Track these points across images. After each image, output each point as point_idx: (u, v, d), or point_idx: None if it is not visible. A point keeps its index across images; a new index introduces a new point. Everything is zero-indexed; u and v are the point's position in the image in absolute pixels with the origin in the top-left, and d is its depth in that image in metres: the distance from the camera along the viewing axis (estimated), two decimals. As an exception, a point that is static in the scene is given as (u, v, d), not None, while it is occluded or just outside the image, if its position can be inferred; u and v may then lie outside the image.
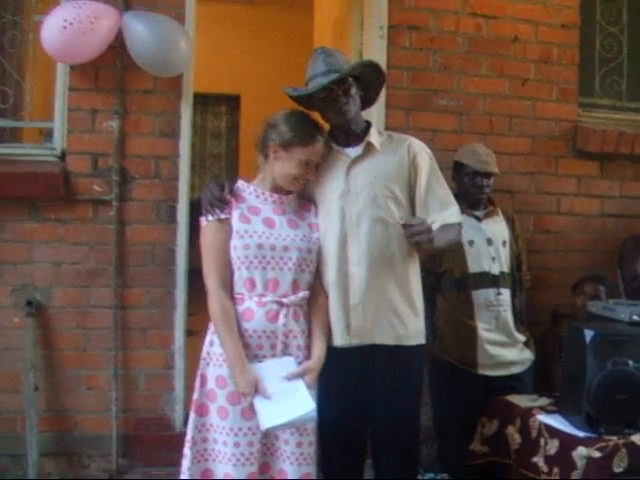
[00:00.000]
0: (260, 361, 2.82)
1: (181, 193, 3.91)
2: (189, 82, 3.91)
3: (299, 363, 2.86)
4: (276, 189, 2.95)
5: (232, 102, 7.85)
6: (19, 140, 4.15)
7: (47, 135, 3.94)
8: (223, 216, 2.88)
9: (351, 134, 3.03)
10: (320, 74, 2.93)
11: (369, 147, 3.01)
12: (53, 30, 3.51)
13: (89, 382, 3.86)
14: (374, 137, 3.04)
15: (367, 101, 3.12)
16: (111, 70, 3.78)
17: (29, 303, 3.76)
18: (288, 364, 2.84)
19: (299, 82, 5.85)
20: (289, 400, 2.77)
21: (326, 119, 3.02)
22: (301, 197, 3.03)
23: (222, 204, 2.89)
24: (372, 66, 3.05)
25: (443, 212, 3.03)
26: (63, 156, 3.84)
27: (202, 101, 7.63)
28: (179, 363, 3.93)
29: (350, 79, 2.93)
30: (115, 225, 3.82)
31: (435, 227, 2.94)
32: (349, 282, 2.96)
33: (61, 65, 3.83)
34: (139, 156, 3.87)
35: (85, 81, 3.79)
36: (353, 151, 3.02)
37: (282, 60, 6.91)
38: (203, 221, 2.91)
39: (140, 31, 3.61)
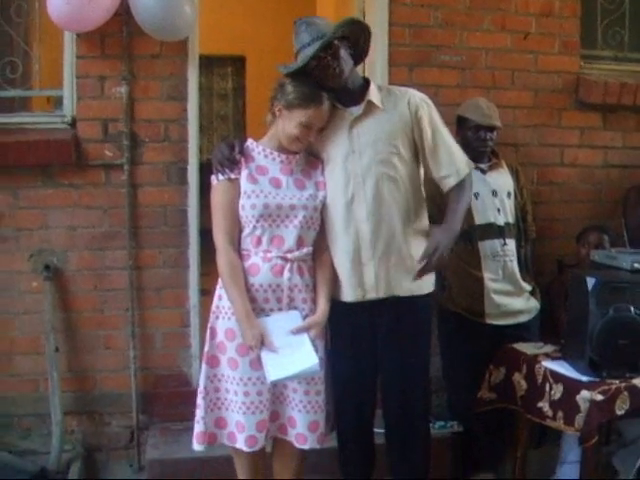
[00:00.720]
0: (267, 315, 2.94)
1: (191, 155, 3.97)
2: (194, 45, 3.96)
3: (305, 317, 2.98)
4: (284, 148, 3.02)
5: (238, 63, 7.84)
6: (29, 109, 4.22)
7: (57, 103, 4.01)
8: (233, 176, 2.96)
9: (350, 93, 3.06)
10: (306, 45, 2.96)
11: (370, 105, 3.06)
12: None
13: (107, 342, 3.97)
14: (374, 95, 3.08)
15: (358, 56, 3.12)
16: (117, 37, 3.83)
17: (46, 267, 3.86)
18: (294, 318, 2.96)
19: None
20: (294, 353, 2.88)
21: (324, 85, 3.02)
22: (309, 154, 3.10)
23: (232, 164, 2.97)
24: (354, 23, 3.08)
25: (454, 164, 3.11)
26: (74, 123, 3.90)
27: (207, 63, 7.58)
28: (194, 321, 4.03)
29: (336, 42, 2.95)
30: (127, 188, 3.90)
31: (450, 184, 3.09)
32: (359, 239, 3.05)
33: (68, 33, 3.87)
34: (148, 120, 3.93)
35: (92, 48, 3.84)
36: (355, 110, 3.06)
37: (286, 20, 6.88)
38: (213, 180, 3.01)
39: (145, -4, 3.65)
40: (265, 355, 2.86)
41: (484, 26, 4.27)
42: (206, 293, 4.08)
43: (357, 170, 3.03)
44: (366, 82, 3.13)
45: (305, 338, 2.92)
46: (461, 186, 3.11)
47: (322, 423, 3.02)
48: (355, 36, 3.05)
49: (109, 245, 3.94)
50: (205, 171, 3.35)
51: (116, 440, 3.99)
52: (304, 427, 2.98)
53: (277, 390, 2.99)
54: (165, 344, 4.03)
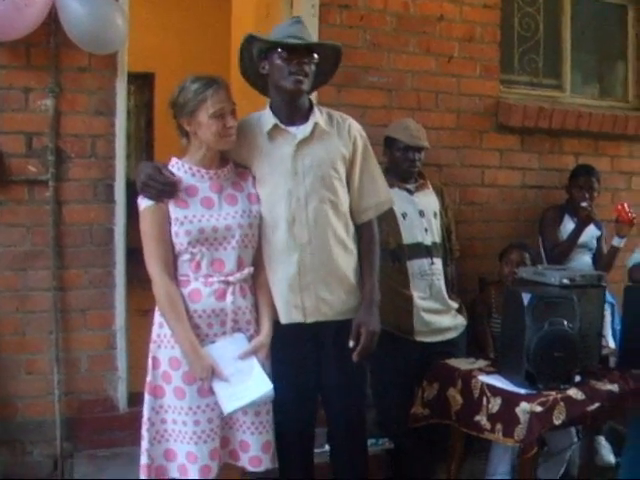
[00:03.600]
0: (212, 341, 2.85)
1: (118, 172, 3.86)
2: (124, 59, 3.86)
3: (250, 338, 2.92)
4: (209, 164, 2.93)
5: (140, 80, 7.69)
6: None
7: (-24, 115, 3.82)
8: (164, 200, 2.84)
9: (295, 111, 3.03)
10: (290, 36, 2.92)
11: (316, 128, 3.03)
12: (-15, 6, 3.40)
13: (30, 367, 3.77)
14: (320, 118, 3.06)
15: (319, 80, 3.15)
16: (44, 47, 3.68)
17: (-36, 288, 3.65)
18: (239, 342, 2.90)
19: (216, 58, 5.81)
20: (246, 381, 2.84)
21: (275, 87, 3.00)
22: (237, 165, 3.02)
23: (164, 186, 2.83)
24: (336, 50, 3.12)
25: (376, 198, 3.15)
26: (-6, 136, 3.73)
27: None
28: (121, 343, 3.90)
29: (316, 56, 2.96)
30: (52, 205, 3.74)
31: (369, 216, 3.14)
32: (300, 263, 3.01)
33: (-11, 41, 3.71)
34: (75, 135, 3.79)
35: (16, 58, 3.67)
36: (298, 130, 3.02)
37: (197, 36, 6.88)
38: (141, 204, 2.87)
39: (75, 7, 3.51)
40: (217, 385, 2.81)
41: (410, 49, 4.38)
42: (134, 313, 4.04)
43: (300, 192, 3.00)
44: (310, 104, 3.11)
45: (254, 362, 2.88)
46: (372, 229, 3.16)
47: (273, 442, 2.97)
48: (327, 59, 3.06)
49: (32, 265, 3.75)
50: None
51: (38, 470, 3.78)
52: (258, 449, 2.92)
53: (226, 416, 2.90)
54: (90, 367, 3.86)
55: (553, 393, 3.24)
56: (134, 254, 4.05)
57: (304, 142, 3.02)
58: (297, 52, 2.91)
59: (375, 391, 3.97)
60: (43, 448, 3.79)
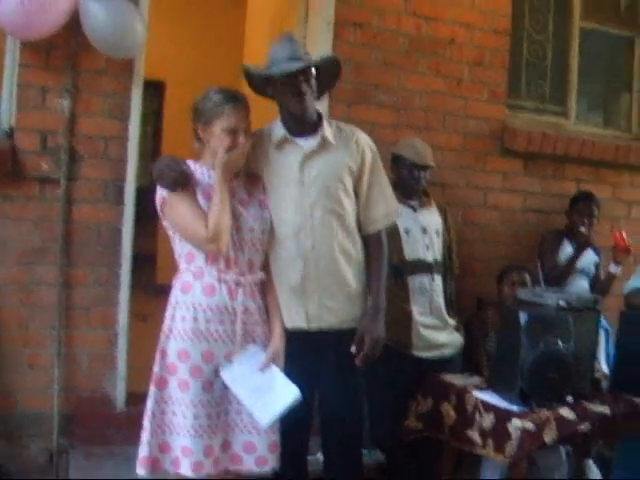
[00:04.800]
0: (229, 362, 2.91)
1: (129, 174, 3.94)
2: (140, 65, 3.96)
3: (264, 346, 2.99)
4: None
5: (150, 88, 7.75)
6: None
7: (-7, 111, 3.89)
8: (188, 187, 2.91)
9: (304, 124, 3.12)
10: (284, 59, 3.02)
11: (324, 141, 3.13)
12: (10, 4, 3.47)
13: (31, 360, 3.83)
14: (327, 131, 3.15)
15: (320, 91, 3.22)
16: (63, 48, 3.77)
17: (-28, 279, 3.70)
18: (256, 354, 2.97)
19: (228, 70, 5.92)
20: (272, 391, 2.93)
21: (282, 106, 3.11)
22: (248, 173, 3.10)
23: (180, 174, 2.90)
24: (334, 61, 3.21)
25: (385, 209, 3.23)
26: (11, 132, 3.79)
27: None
28: (122, 343, 3.95)
29: (312, 70, 3.05)
30: (62, 203, 3.81)
31: (377, 228, 3.21)
32: (304, 271, 3.09)
33: (10, 41, 3.78)
34: (88, 136, 3.87)
35: (37, 58, 3.76)
36: (307, 143, 3.12)
37: (210, 48, 6.94)
38: (162, 193, 2.92)
39: (96, 11, 3.61)
40: (246, 401, 2.89)
41: (420, 69, 4.48)
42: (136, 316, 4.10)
43: (305, 202, 3.08)
44: (318, 116, 3.19)
45: (275, 371, 2.96)
46: (380, 240, 3.24)
47: (279, 442, 3.01)
48: (324, 73, 3.13)
49: (39, 260, 3.82)
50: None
51: (34, 463, 3.81)
52: (264, 449, 2.96)
53: (229, 417, 2.96)
54: (91, 365, 3.92)
55: (545, 411, 3.29)
56: (139, 259, 4.15)
57: (311, 154, 3.11)
58: (294, 75, 3.00)
59: (368, 402, 4.01)
60: (40, 442, 3.84)
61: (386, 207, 3.23)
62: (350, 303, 3.16)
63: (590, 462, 4.45)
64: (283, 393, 2.92)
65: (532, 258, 4.66)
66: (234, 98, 2.93)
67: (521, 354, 3.32)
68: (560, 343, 3.34)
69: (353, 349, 3.08)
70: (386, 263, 3.25)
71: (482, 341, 4.22)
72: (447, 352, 3.94)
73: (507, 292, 4.20)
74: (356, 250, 3.19)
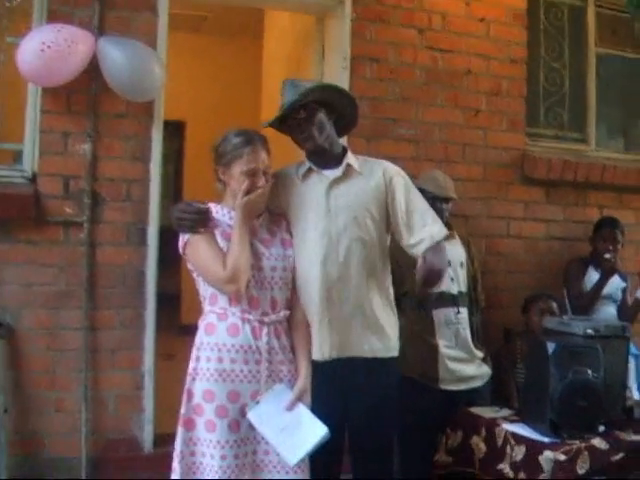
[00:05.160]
0: (257, 402, 2.89)
1: (151, 216, 3.98)
2: (160, 106, 4.01)
3: (290, 384, 2.96)
4: None
5: (170, 127, 7.85)
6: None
7: (17, 157, 3.94)
8: (207, 229, 2.91)
9: (328, 158, 3.13)
10: (288, 102, 3.05)
11: (349, 169, 3.14)
12: (31, 53, 3.55)
13: (58, 404, 3.85)
14: (352, 160, 3.16)
15: (345, 125, 3.26)
16: (84, 93, 3.84)
17: (-1, 325, 3.74)
18: (282, 393, 2.94)
19: (246, 109, 5.98)
20: (300, 429, 2.90)
21: (298, 144, 3.13)
22: (271, 212, 3.10)
23: (203, 218, 2.92)
24: (325, 89, 3.19)
25: (428, 229, 3.14)
26: (34, 178, 3.85)
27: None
28: (148, 384, 3.96)
29: (314, 105, 3.05)
30: (86, 247, 3.85)
31: (425, 246, 3.09)
32: (329, 299, 3.06)
33: (32, 87, 3.85)
34: (110, 179, 3.93)
35: (58, 104, 3.83)
36: (332, 173, 3.12)
37: (229, 87, 7.02)
38: (184, 237, 2.92)
39: (115, 56, 3.69)
40: (275, 441, 2.87)
41: (438, 102, 4.50)
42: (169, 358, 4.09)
43: (332, 230, 3.07)
44: (344, 150, 3.21)
45: (302, 409, 2.93)
46: (436, 247, 3.15)
47: None
48: (338, 103, 3.15)
49: (64, 304, 3.86)
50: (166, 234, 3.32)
51: (62, 508, 3.83)
52: None
53: (257, 458, 2.93)
54: (118, 407, 3.93)
55: (577, 442, 3.21)
56: (163, 299, 4.17)
57: (336, 182, 3.11)
58: (297, 118, 3.04)
59: (399, 437, 3.98)
60: (69, 488, 3.84)
61: (430, 228, 3.14)
62: (374, 333, 3.10)
63: (626, 493, 4.38)
64: (310, 431, 2.88)
65: (557, 286, 4.63)
66: (252, 140, 2.93)
67: (550, 384, 3.25)
68: (589, 372, 3.29)
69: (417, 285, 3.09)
70: (443, 256, 3.17)
71: (511, 372, 4.19)
72: (476, 384, 3.89)
73: (535, 321, 4.17)
74: (382, 279, 3.16)
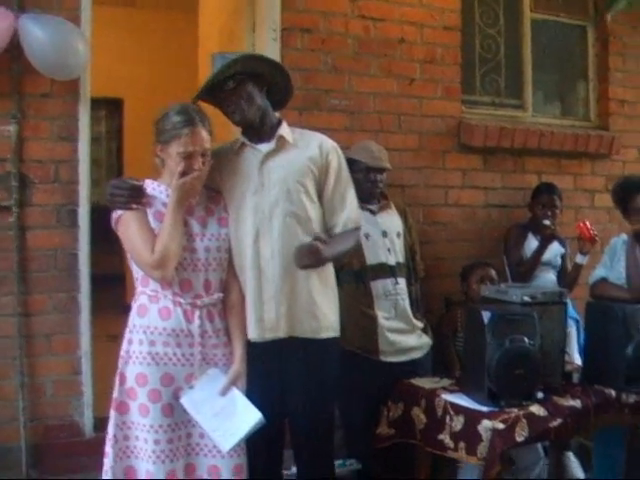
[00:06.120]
0: (190, 387, 2.87)
1: (82, 197, 3.87)
2: (86, 85, 3.88)
3: (225, 368, 2.94)
4: None
5: (111, 106, 7.77)
6: None
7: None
8: (141, 206, 2.87)
9: (261, 131, 3.09)
10: (213, 74, 3.01)
11: (281, 141, 3.09)
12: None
13: (-6, 393, 3.76)
14: (286, 131, 3.11)
15: (282, 100, 3.24)
16: (6, 74, 3.69)
17: None
18: (216, 378, 2.92)
19: (183, 84, 5.87)
20: (234, 414, 2.88)
21: (228, 118, 3.09)
22: (209, 189, 3.06)
23: (135, 195, 2.87)
24: (256, 59, 3.14)
25: (344, 215, 3.16)
26: (-43, 163, 3.73)
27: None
28: (86, 368, 3.88)
29: (242, 77, 3.01)
30: (15, 231, 3.73)
31: (336, 231, 3.13)
32: (263, 276, 3.03)
33: (-50, 68, 3.71)
34: (38, 160, 3.80)
35: (-22, 85, 3.71)
36: (265, 146, 3.09)
37: (166, 63, 6.91)
38: (116, 213, 2.89)
39: (37, 34, 3.56)
40: (207, 426, 2.84)
41: (371, 71, 4.45)
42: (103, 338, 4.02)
43: (264, 206, 3.03)
44: (279, 122, 3.16)
45: (236, 394, 2.91)
46: (345, 233, 3.17)
47: (245, 465, 2.96)
48: (268, 74, 3.10)
49: (-4, 290, 3.75)
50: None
51: (3, 498, 3.76)
52: (229, 473, 2.91)
53: (192, 441, 2.91)
54: (56, 393, 3.84)
55: (515, 410, 3.25)
56: (102, 280, 4.10)
57: (269, 155, 3.07)
58: (225, 90, 3.01)
59: (342, 411, 3.98)
60: (10, 474, 3.74)
61: (346, 213, 3.15)
62: (309, 311, 3.08)
63: (570, 455, 4.44)
64: (244, 417, 2.86)
65: (497, 254, 4.66)
66: (192, 121, 2.85)
67: (487, 353, 3.28)
68: (526, 340, 3.31)
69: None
70: (352, 243, 3.20)
71: (452, 342, 4.20)
72: (416, 355, 3.91)
73: (474, 289, 4.18)
74: None
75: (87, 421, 3.87)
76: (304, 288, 3.07)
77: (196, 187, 2.90)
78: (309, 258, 2.94)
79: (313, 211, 3.09)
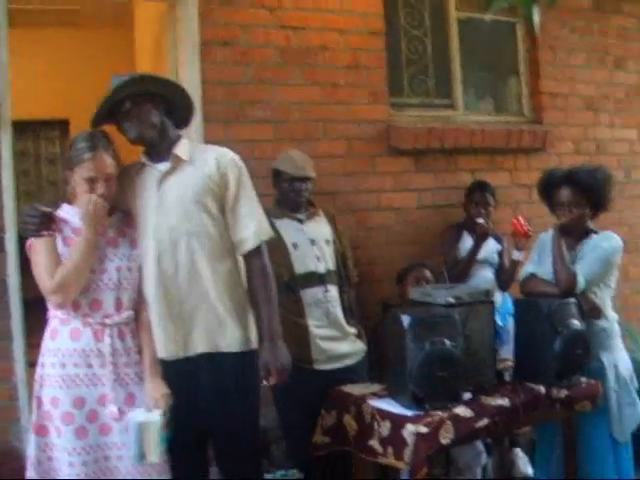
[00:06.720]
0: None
1: (8, 224, 3.85)
2: (7, 111, 3.87)
3: (138, 387, 2.98)
4: None
5: (64, 126, 7.78)
6: None
7: None
8: (50, 232, 2.90)
9: (161, 150, 3.12)
10: (102, 99, 3.07)
11: (176, 160, 3.10)
12: None
13: None
14: (180, 149, 3.12)
15: (185, 118, 3.26)
16: None
17: None
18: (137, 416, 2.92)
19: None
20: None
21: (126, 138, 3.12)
22: (123, 212, 3.10)
23: (45, 222, 2.89)
24: (147, 80, 3.16)
25: (253, 227, 3.13)
26: None
27: (33, 127, 7.62)
28: (22, 394, 3.87)
29: (138, 98, 3.04)
30: (-60, 260, 3.74)
31: (248, 247, 3.12)
32: (168, 295, 3.06)
33: None
34: (-40, 189, 3.80)
35: None
36: (163, 166, 3.11)
37: (108, 80, 6.88)
38: (28, 242, 2.95)
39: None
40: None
41: (294, 80, 4.44)
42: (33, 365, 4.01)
43: (164, 227, 3.05)
44: (177, 139, 3.17)
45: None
46: (259, 259, 3.16)
47: None
48: (166, 93, 3.13)
49: None
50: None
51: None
52: None
53: (111, 464, 2.93)
54: (-7, 420, 3.84)
55: (439, 413, 3.25)
56: (36, 305, 4.07)
57: (167, 174, 3.09)
58: (123, 111, 3.04)
59: (281, 422, 3.99)
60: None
61: (256, 226, 3.14)
62: (218, 327, 3.09)
63: (518, 451, 4.47)
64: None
65: (435, 255, 4.65)
66: (95, 147, 2.90)
67: (408, 357, 3.27)
68: (447, 342, 3.31)
69: (265, 382, 3.11)
70: (272, 283, 3.18)
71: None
72: (350, 362, 3.91)
73: (410, 291, 4.17)
74: (225, 272, 3.12)
75: (26, 446, 3.84)
76: (210, 305, 3.08)
77: (101, 212, 2.93)
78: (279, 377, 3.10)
79: (215, 228, 3.10)
